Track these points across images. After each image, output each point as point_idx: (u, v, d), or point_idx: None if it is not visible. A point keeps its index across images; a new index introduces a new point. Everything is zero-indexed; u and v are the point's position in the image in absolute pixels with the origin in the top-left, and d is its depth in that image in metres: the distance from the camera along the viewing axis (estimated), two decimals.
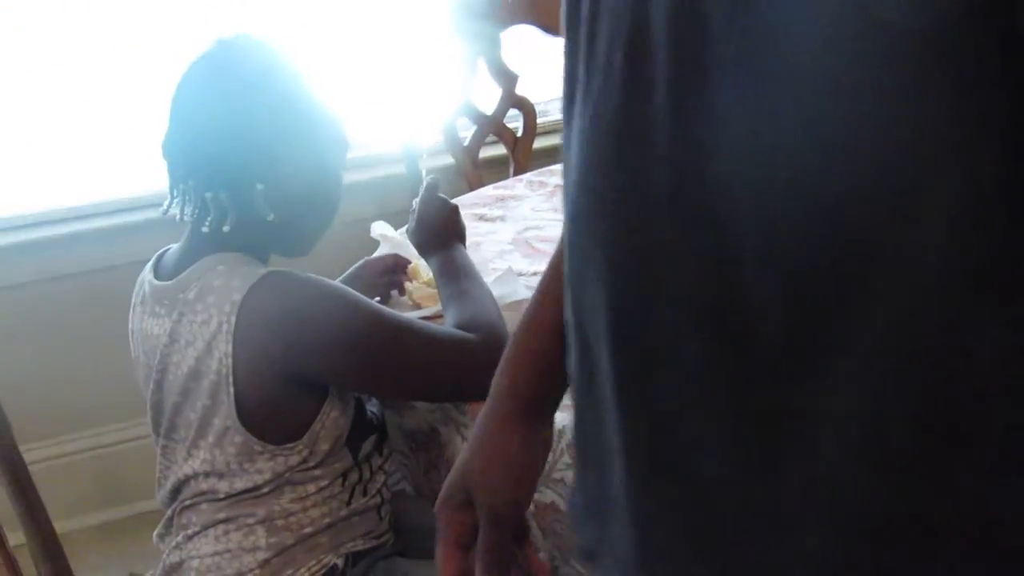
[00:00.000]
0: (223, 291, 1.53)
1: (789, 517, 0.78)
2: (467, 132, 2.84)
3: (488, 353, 1.51)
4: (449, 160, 2.87)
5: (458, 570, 1.11)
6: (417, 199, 1.77)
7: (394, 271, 1.86)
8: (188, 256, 1.60)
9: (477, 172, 2.77)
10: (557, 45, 2.77)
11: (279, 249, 1.66)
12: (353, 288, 1.61)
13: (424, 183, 1.78)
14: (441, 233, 1.74)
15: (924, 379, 0.73)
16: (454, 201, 2.12)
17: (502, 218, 2.10)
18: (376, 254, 1.92)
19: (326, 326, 1.52)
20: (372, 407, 1.68)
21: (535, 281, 1.83)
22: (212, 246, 1.59)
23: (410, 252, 1.85)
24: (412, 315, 1.69)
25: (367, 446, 1.64)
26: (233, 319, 1.51)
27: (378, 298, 1.82)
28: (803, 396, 0.76)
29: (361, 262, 1.87)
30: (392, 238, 1.93)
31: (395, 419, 1.71)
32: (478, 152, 2.85)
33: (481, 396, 1.51)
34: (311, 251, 1.67)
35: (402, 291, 1.84)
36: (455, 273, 1.68)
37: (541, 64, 3.00)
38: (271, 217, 1.57)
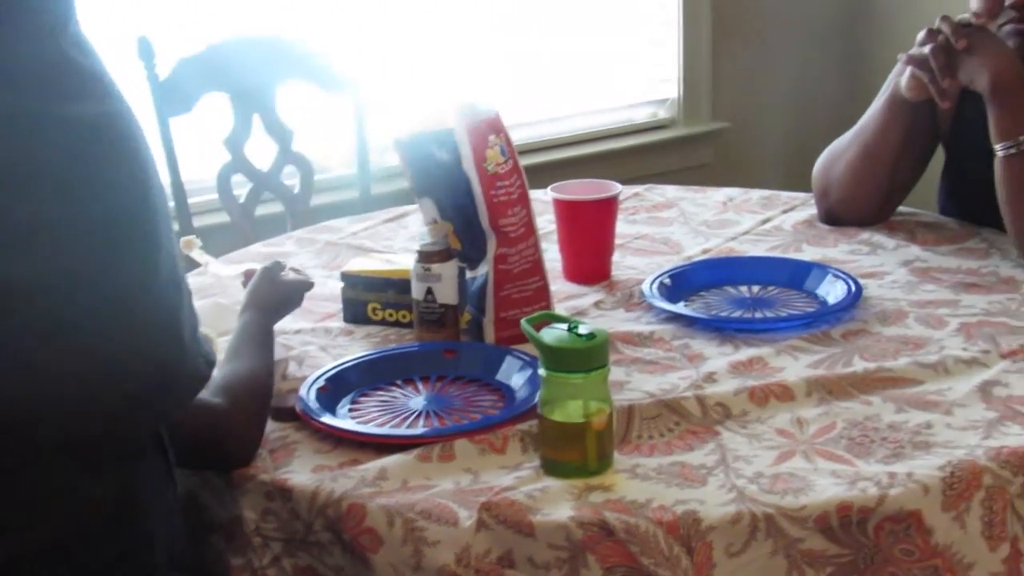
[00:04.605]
0: None
1: None
2: (242, 189, 2.80)
3: (231, 420, 1.47)
4: (224, 218, 2.82)
5: None
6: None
7: None
8: None
9: (254, 230, 2.73)
10: (336, 100, 2.75)
11: None
12: None
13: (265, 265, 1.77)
14: (257, 296, 1.71)
15: None
16: (221, 258, 2.08)
17: None
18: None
19: None
20: None
21: (296, 339, 1.81)
22: None
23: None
24: None
25: None
26: None
27: None
28: None
29: None
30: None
31: None
32: (254, 210, 2.80)
33: (225, 465, 1.48)
34: None
35: None
36: (243, 334, 1.64)
37: (319, 120, 2.98)
38: None
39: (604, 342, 1.41)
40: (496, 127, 1.71)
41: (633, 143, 3.56)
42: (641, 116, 3.65)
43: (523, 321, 1.46)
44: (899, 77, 2.11)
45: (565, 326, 1.43)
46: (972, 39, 1.99)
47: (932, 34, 2.01)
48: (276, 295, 1.73)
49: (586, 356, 1.40)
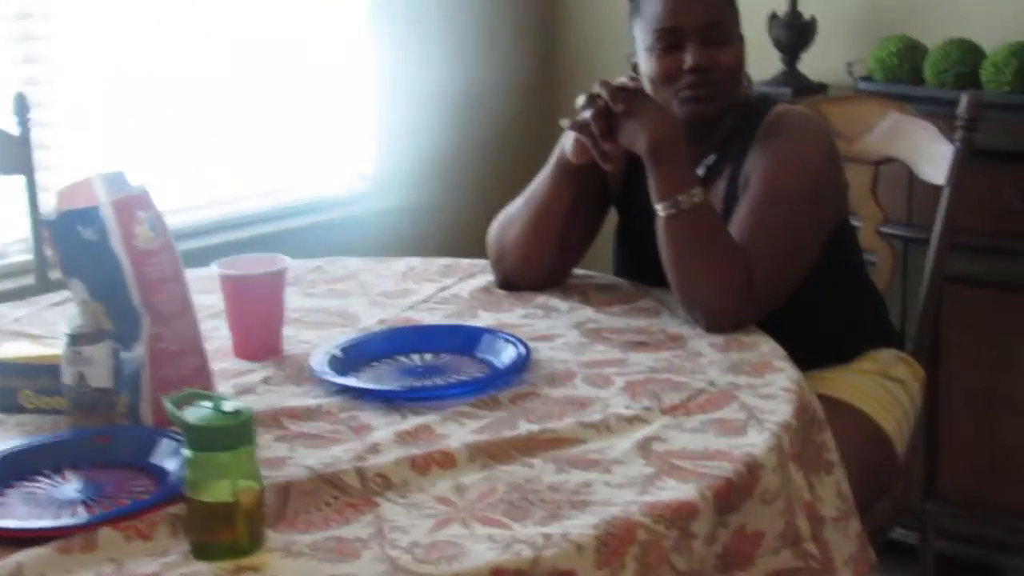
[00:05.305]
0: None
1: None
2: None
3: None
4: None
5: None
6: None
7: None
8: None
9: None
10: (9, 183, 2.63)
11: None
12: None
13: None
14: None
15: None
16: None
17: None
18: None
19: None
20: None
21: None
22: None
23: None
24: None
25: None
26: None
27: None
28: None
29: None
30: None
31: None
32: None
33: None
34: None
35: None
36: None
37: None
38: None
39: (249, 419, 1.37)
40: (144, 203, 1.66)
41: (328, 217, 3.53)
42: (337, 191, 3.63)
43: (166, 400, 1.41)
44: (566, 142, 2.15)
45: (210, 404, 1.39)
46: (630, 102, 2.04)
47: (592, 99, 2.06)
48: None
49: (231, 434, 1.36)
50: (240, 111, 3.35)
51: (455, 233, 3.63)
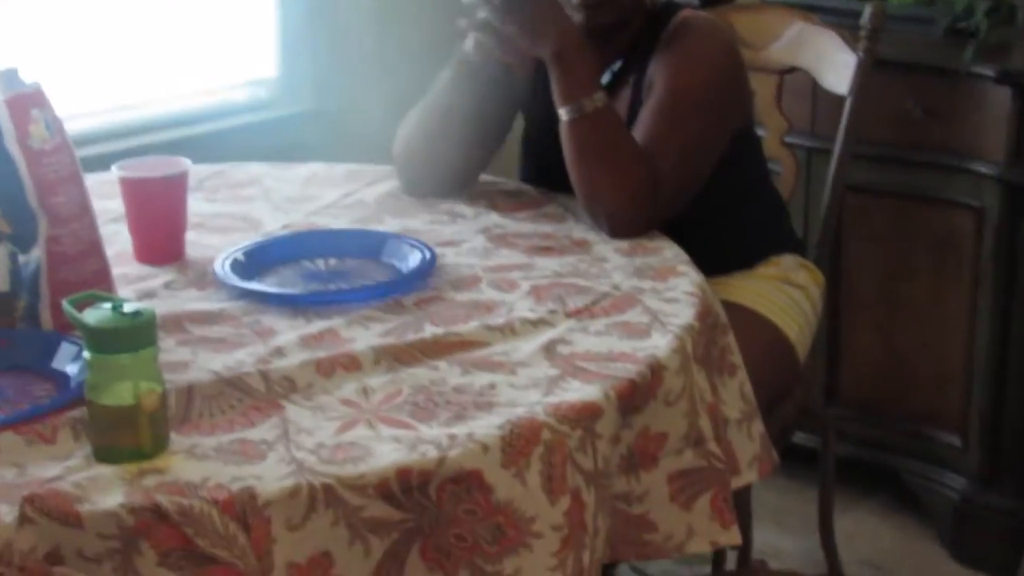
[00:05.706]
0: None
1: None
2: None
3: None
4: None
5: None
6: None
7: None
8: None
9: None
10: None
11: None
12: None
13: None
14: None
15: None
16: None
17: None
18: None
19: None
20: None
21: None
22: None
23: None
24: None
25: None
26: None
27: None
28: None
29: None
30: None
31: None
32: None
33: None
34: None
35: None
36: None
37: None
38: None
39: (151, 320, 1.36)
40: (39, 101, 1.62)
41: (231, 124, 3.47)
42: (239, 97, 3.57)
43: (65, 302, 1.39)
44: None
45: (110, 305, 1.37)
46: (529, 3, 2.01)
47: None
48: None
49: (132, 335, 1.35)
50: (139, 13, 3.28)
51: (360, 140, 3.60)
